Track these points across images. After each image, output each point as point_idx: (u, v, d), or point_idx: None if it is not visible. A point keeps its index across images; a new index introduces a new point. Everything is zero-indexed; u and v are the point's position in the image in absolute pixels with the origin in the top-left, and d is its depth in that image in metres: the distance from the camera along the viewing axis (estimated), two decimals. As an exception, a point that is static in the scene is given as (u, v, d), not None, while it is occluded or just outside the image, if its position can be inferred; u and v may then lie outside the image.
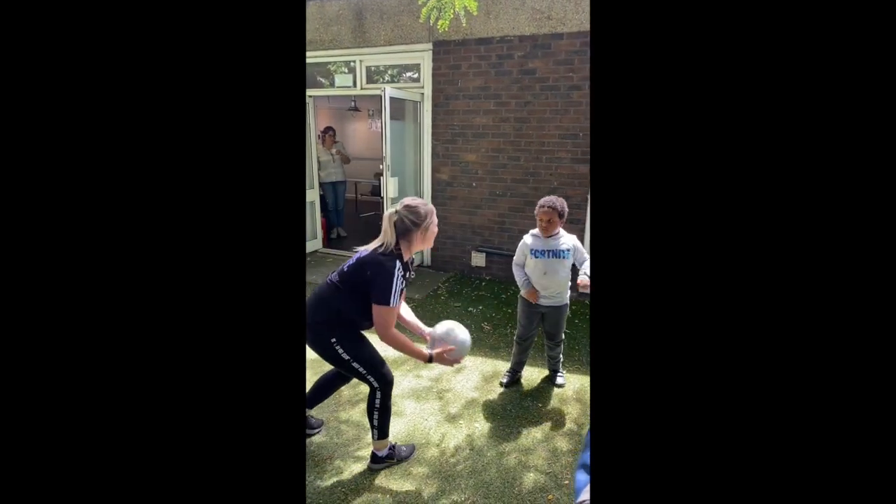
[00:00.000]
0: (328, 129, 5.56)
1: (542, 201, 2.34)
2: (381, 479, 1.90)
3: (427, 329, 1.97)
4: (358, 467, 1.97)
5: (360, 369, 1.84)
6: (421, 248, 1.86)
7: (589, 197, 3.78)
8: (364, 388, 2.04)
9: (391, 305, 1.70)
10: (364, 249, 1.83)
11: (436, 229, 1.87)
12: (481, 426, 2.27)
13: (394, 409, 2.38)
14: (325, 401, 2.24)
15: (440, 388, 2.58)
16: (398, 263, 1.74)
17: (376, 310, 1.71)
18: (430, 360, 1.83)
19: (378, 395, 1.89)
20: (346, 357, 1.82)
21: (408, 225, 1.77)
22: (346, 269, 1.83)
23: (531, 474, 1.95)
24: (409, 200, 1.82)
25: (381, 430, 1.94)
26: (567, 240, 2.39)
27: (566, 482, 1.90)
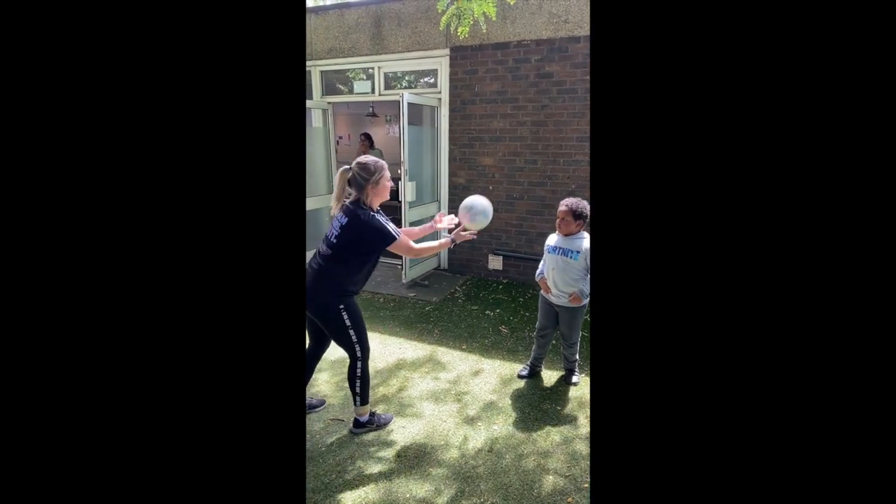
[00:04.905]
0: (365, 135, 5.63)
1: (562, 201, 2.42)
2: (401, 481, 1.92)
3: (430, 223, 2.29)
4: (378, 468, 1.99)
5: (353, 337, 2.05)
6: (376, 201, 2.03)
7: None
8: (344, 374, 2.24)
9: (397, 238, 1.96)
10: (339, 213, 2.01)
11: (388, 183, 2.03)
12: (500, 429, 2.27)
13: (412, 410, 2.40)
14: (345, 404, 2.30)
15: (458, 391, 2.59)
16: (370, 211, 1.96)
17: (393, 248, 1.98)
18: (453, 242, 2.13)
19: (359, 364, 2.10)
20: (348, 323, 2.02)
21: (360, 181, 1.97)
22: (333, 240, 1.98)
23: (550, 477, 1.94)
24: (361, 158, 2.01)
25: (362, 397, 2.16)
26: (584, 244, 2.40)
27: (585, 485, 1.89)
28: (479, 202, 2.22)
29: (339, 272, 1.99)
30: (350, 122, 8.15)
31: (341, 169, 2.02)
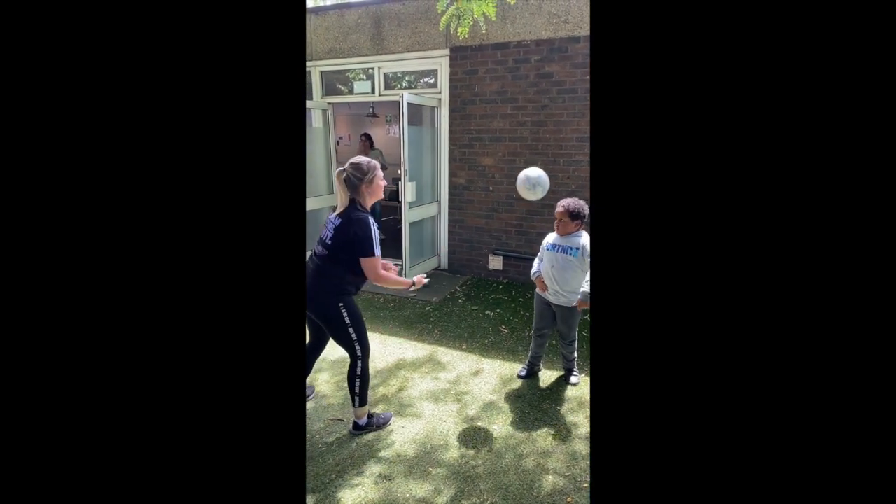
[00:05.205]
0: (365, 135, 5.71)
1: (560, 201, 2.46)
2: (401, 481, 1.92)
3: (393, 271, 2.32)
4: (378, 468, 1.99)
5: (353, 335, 2.07)
6: (370, 200, 2.07)
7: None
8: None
9: (375, 255, 1.98)
10: (333, 215, 2.06)
11: (381, 182, 2.07)
12: (499, 429, 2.27)
13: (412, 410, 2.40)
14: (345, 404, 2.30)
15: (458, 391, 2.59)
16: (370, 217, 2.00)
17: (363, 262, 1.99)
18: (413, 285, 2.17)
19: (359, 363, 2.11)
20: (348, 321, 2.04)
21: (354, 181, 2.00)
22: (329, 240, 2.01)
23: (550, 477, 1.94)
24: (354, 159, 2.05)
25: (361, 398, 2.16)
26: (583, 241, 2.42)
27: (585, 485, 1.90)
28: (540, 175, 2.43)
29: (336, 272, 2.01)
30: (350, 122, 8.15)
31: (336, 171, 2.05)
